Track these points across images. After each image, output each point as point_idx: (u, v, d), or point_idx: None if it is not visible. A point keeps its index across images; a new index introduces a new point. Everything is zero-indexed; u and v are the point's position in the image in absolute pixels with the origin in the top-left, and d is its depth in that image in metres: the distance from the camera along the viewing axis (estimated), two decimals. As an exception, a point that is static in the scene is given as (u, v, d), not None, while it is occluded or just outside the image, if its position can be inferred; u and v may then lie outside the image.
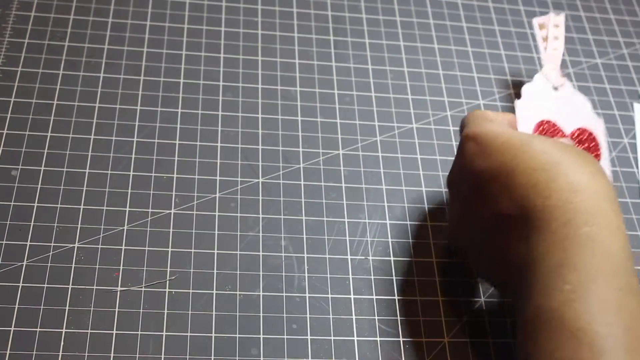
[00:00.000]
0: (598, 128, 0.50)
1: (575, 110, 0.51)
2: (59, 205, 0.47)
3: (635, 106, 0.60)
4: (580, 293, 0.34)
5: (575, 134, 0.49)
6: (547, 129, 0.49)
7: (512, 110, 0.58)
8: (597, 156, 0.49)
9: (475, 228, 0.42)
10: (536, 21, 0.56)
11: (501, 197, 0.39)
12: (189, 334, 0.43)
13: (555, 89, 0.53)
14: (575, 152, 0.40)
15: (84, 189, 0.48)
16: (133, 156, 0.50)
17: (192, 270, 0.46)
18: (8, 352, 0.41)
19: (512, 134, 0.41)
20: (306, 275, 0.47)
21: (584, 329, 0.33)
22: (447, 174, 0.50)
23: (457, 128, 0.56)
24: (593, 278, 0.34)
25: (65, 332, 0.42)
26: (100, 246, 0.46)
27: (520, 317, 0.37)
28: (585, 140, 0.49)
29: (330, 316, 0.46)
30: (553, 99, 0.52)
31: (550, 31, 0.55)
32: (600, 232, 0.35)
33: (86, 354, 0.42)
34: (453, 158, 0.54)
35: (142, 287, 0.45)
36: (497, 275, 0.42)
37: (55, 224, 0.46)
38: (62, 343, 0.42)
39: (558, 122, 0.49)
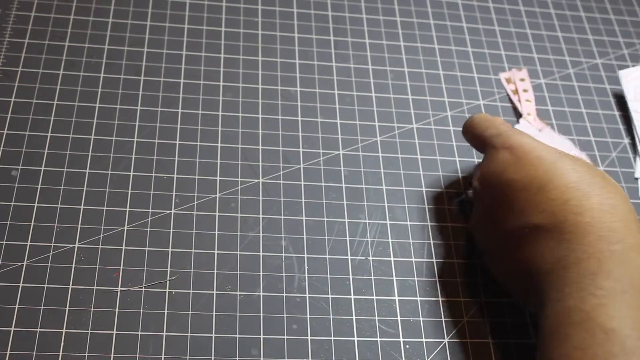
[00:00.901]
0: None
1: (559, 147, 0.55)
2: (59, 206, 0.47)
3: (620, 73, 0.61)
4: (613, 299, 0.36)
5: None
6: None
7: (512, 109, 0.58)
8: None
9: (496, 234, 0.44)
10: (502, 76, 0.60)
11: (530, 208, 0.41)
12: (189, 334, 0.43)
13: (540, 130, 0.57)
14: (601, 174, 0.42)
15: (84, 189, 0.48)
16: (133, 156, 0.50)
17: (192, 270, 0.46)
18: (8, 352, 0.41)
19: (546, 148, 0.43)
20: (306, 275, 0.47)
21: (615, 331, 0.35)
22: (447, 173, 0.50)
23: (458, 128, 0.56)
24: (625, 289, 0.36)
25: (66, 332, 0.42)
26: (100, 246, 0.46)
27: (547, 318, 0.39)
28: None
29: (331, 316, 0.46)
30: (539, 138, 0.56)
31: (518, 85, 0.60)
32: (631, 251, 0.38)
33: (86, 354, 0.42)
34: (453, 158, 0.54)
35: (142, 288, 0.45)
36: (516, 280, 0.43)
37: (56, 224, 0.46)
38: (62, 343, 0.42)
39: None
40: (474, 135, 0.48)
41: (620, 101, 0.61)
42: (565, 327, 0.37)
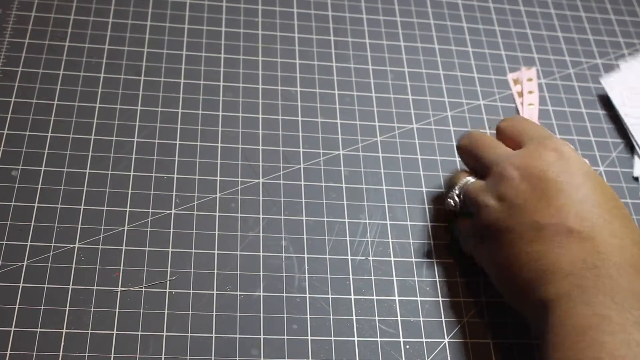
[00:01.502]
0: None
1: None
2: (59, 206, 0.47)
3: (603, 82, 0.61)
4: None
5: None
6: None
7: (511, 109, 0.58)
8: None
9: (514, 221, 0.43)
10: (510, 77, 0.60)
11: (569, 211, 0.41)
12: (189, 334, 0.43)
13: None
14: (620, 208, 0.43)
15: (85, 189, 0.48)
16: (133, 156, 0.50)
17: (192, 270, 0.46)
18: (8, 352, 0.41)
19: (588, 166, 0.45)
20: (306, 275, 0.47)
21: None
22: (448, 173, 0.50)
23: (458, 128, 0.56)
24: None
25: (66, 332, 0.42)
26: (100, 246, 0.46)
27: (569, 317, 0.38)
28: None
29: (331, 316, 0.46)
30: None
31: (525, 85, 0.59)
32: None
33: (86, 354, 0.42)
34: (453, 158, 0.54)
35: (142, 288, 0.45)
36: (517, 276, 0.43)
37: (56, 224, 0.46)
38: (62, 343, 0.42)
39: None
40: (507, 137, 0.48)
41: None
42: (597, 333, 0.37)
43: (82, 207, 0.47)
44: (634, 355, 0.35)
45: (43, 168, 0.49)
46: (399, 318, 0.46)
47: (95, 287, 0.44)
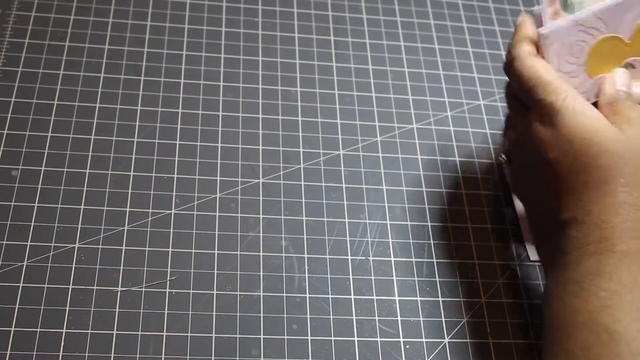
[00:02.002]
0: None
1: None
2: (59, 206, 0.47)
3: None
4: (616, 300, 0.36)
5: None
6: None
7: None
8: None
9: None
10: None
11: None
12: (189, 334, 0.43)
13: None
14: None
15: (85, 189, 0.48)
16: (133, 156, 0.50)
17: (192, 270, 0.46)
18: (8, 352, 0.41)
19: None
20: (306, 275, 0.47)
21: (620, 332, 0.35)
22: (448, 173, 0.50)
23: (458, 128, 0.56)
24: (630, 290, 0.37)
25: (66, 332, 0.42)
26: (100, 246, 0.46)
27: (551, 311, 0.39)
28: None
29: (331, 317, 0.46)
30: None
31: None
32: (635, 253, 0.38)
33: (87, 354, 0.42)
34: (453, 158, 0.54)
35: (142, 288, 0.45)
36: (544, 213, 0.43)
37: (56, 224, 0.46)
38: (62, 343, 0.42)
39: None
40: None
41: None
42: (569, 326, 0.37)
43: (82, 207, 0.47)
44: (603, 344, 0.35)
45: (43, 168, 0.49)
46: (399, 318, 0.46)
47: (95, 287, 0.44)
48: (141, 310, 0.44)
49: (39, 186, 0.48)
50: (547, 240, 0.42)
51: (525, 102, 0.44)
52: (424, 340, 0.46)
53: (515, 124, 0.47)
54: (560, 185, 0.41)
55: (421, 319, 0.46)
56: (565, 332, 0.37)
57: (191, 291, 0.45)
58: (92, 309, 0.43)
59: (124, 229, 0.47)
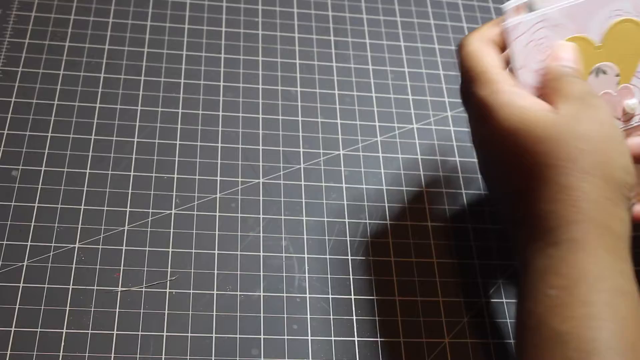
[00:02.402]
0: None
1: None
2: (59, 206, 0.47)
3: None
4: (564, 298, 0.34)
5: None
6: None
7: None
8: None
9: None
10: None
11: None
12: (189, 334, 0.43)
13: None
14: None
15: (85, 189, 0.48)
16: (133, 156, 0.50)
17: (192, 270, 0.46)
18: (9, 352, 0.41)
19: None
20: (307, 275, 0.47)
21: (570, 333, 0.33)
22: (448, 173, 0.50)
23: (458, 128, 0.56)
24: (576, 282, 0.35)
25: (66, 332, 0.42)
26: (100, 246, 0.46)
27: (517, 312, 0.38)
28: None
29: (331, 317, 0.46)
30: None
31: None
32: (575, 242, 0.36)
33: (87, 355, 0.42)
34: (453, 158, 0.54)
35: (142, 288, 0.45)
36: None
37: (56, 225, 0.46)
38: (62, 343, 0.42)
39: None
40: None
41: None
42: (525, 331, 0.36)
43: (82, 207, 0.47)
44: (552, 349, 0.34)
45: (43, 168, 0.49)
46: (399, 318, 0.46)
47: (95, 287, 0.44)
48: (141, 311, 0.44)
49: (39, 186, 0.48)
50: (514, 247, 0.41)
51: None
52: (424, 340, 0.46)
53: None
54: (507, 186, 0.39)
55: (421, 319, 0.46)
56: (522, 338, 0.36)
57: (191, 291, 0.45)
58: (92, 309, 0.43)
59: (124, 229, 0.47)
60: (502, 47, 0.41)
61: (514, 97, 0.38)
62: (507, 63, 0.41)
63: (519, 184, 0.38)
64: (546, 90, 0.40)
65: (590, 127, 0.37)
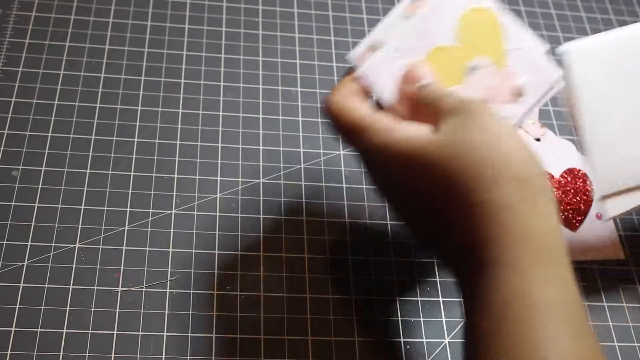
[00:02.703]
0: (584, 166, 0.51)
1: (561, 154, 0.53)
2: (59, 206, 0.47)
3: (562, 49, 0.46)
4: (494, 329, 0.32)
5: (566, 174, 0.53)
6: None
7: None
8: (587, 191, 0.52)
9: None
10: None
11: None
12: (189, 334, 0.43)
13: (538, 140, 0.55)
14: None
15: (85, 189, 0.48)
16: (134, 156, 0.50)
17: (192, 270, 0.46)
18: (9, 352, 0.41)
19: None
20: (307, 275, 0.47)
21: None
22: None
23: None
24: (503, 311, 0.32)
25: (66, 332, 0.42)
26: (101, 246, 0.46)
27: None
28: (576, 177, 0.53)
29: (331, 317, 0.46)
30: (537, 149, 0.51)
31: None
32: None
33: (87, 355, 0.42)
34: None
35: (142, 288, 0.45)
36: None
37: (56, 224, 0.46)
38: (62, 343, 0.42)
39: (545, 168, 0.51)
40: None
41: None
42: None
43: (83, 207, 0.47)
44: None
45: (43, 168, 0.49)
46: (399, 318, 0.46)
47: (95, 287, 0.44)
48: (141, 311, 0.44)
49: (40, 186, 0.48)
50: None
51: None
52: (424, 340, 0.46)
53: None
54: (423, 222, 0.37)
55: (421, 319, 0.46)
56: None
57: (191, 291, 0.45)
58: (93, 309, 0.43)
59: (124, 229, 0.47)
60: (367, 94, 0.41)
61: (395, 131, 0.36)
62: (379, 106, 0.41)
63: (431, 216, 0.36)
64: (422, 116, 0.38)
65: (477, 134, 0.34)
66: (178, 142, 0.52)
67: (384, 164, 0.37)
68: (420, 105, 0.39)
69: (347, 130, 0.39)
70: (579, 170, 0.53)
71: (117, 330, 0.43)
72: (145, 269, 0.45)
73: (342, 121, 0.39)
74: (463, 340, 0.35)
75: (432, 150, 0.35)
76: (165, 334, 0.43)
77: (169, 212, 0.48)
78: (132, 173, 0.49)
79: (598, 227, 0.52)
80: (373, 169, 0.40)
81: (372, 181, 0.41)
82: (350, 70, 0.41)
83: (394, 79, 0.41)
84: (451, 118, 0.36)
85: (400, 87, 0.40)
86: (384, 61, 0.41)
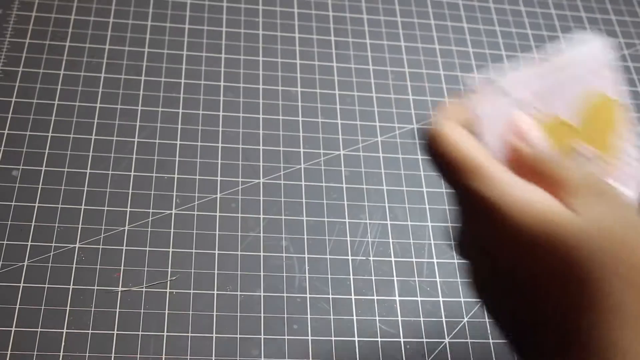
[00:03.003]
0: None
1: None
2: (60, 206, 0.47)
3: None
4: None
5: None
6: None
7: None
8: None
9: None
10: None
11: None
12: (189, 334, 0.43)
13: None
14: None
15: (85, 189, 0.48)
16: (134, 156, 0.50)
17: (192, 270, 0.46)
18: (9, 352, 0.41)
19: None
20: (307, 275, 0.47)
21: None
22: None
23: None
24: None
25: (66, 332, 0.42)
26: (101, 246, 0.46)
27: None
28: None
29: (331, 317, 0.46)
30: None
31: None
32: None
33: (87, 354, 0.42)
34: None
35: (143, 288, 0.45)
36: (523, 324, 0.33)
37: (56, 224, 0.46)
38: (63, 343, 0.42)
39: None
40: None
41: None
42: None
43: (83, 207, 0.47)
44: None
45: (44, 168, 0.49)
46: (399, 318, 0.46)
47: (95, 287, 0.44)
48: (142, 311, 0.44)
49: (40, 186, 0.48)
50: None
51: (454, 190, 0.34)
52: (424, 340, 0.46)
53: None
54: (541, 303, 0.31)
55: (421, 319, 0.46)
56: None
57: (192, 291, 0.45)
58: (93, 309, 0.43)
59: (124, 229, 0.47)
60: (467, 125, 0.36)
61: (517, 190, 0.31)
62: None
63: (540, 304, 0.31)
64: (535, 178, 0.33)
65: (616, 225, 0.30)
66: (178, 142, 0.52)
67: (494, 221, 0.32)
68: (536, 168, 0.34)
69: (453, 167, 0.33)
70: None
71: (117, 330, 0.43)
72: (146, 269, 0.45)
73: (450, 155, 0.34)
74: None
75: (572, 235, 0.30)
76: (165, 333, 0.43)
77: (169, 212, 0.48)
78: (132, 173, 0.49)
79: None
80: (473, 220, 0.33)
81: (466, 234, 0.34)
82: (459, 94, 0.38)
83: (506, 131, 0.37)
84: (588, 198, 0.31)
85: (513, 143, 0.35)
86: (501, 110, 0.37)
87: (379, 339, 0.45)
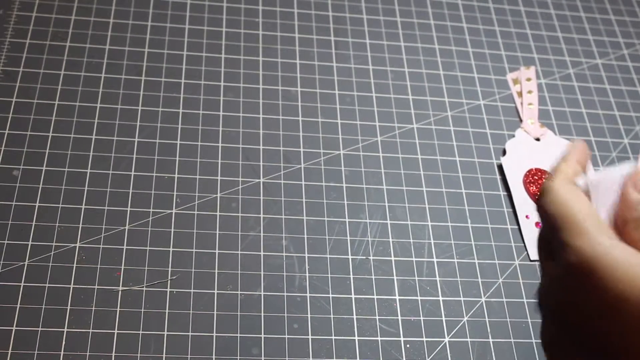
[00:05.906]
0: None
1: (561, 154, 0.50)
2: (60, 205, 0.47)
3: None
4: None
5: None
6: (534, 174, 0.54)
7: (516, 110, 0.58)
8: None
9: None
10: (509, 77, 0.60)
11: None
12: (190, 333, 0.44)
13: (537, 139, 0.56)
14: None
15: (86, 188, 0.48)
16: (134, 156, 0.50)
17: (193, 270, 0.46)
18: (10, 351, 0.41)
19: None
20: (307, 275, 0.47)
21: None
22: (448, 173, 0.50)
23: (458, 128, 0.56)
24: None
25: (67, 331, 0.42)
26: (101, 246, 0.46)
27: None
28: None
29: (331, 316, 0.46)
30: (537, 148, 0.56)
31: (524, 85, 0.59)
32: None
33: (88, 354, 0.42)
34: (453, 158, 0.54)
35: (143, 287, 0.45)
36: None
37: (57, 224, 0.46)
38: (63, 342, 0.42)
39: (545, 167, 0.54)
40: None
41: (621, 101, 0.61)
42: None
43: (83, 206, 0.47)
44: None
45: (44, 168, 0.49)
46: (399, 317, 0.46)
47: (96, 287, 0.44)
48: (142, 310, 0.44)
49: (40, 186, 0.48)
50: None
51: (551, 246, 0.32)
52: (424, 339, 0.46)
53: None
54: None
55: (421, 318, 0.47)
56: None
57: (192, 290, 0.45)
58: (93, 308, 0.43)
59: (124, 229, 0.47)
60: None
61: (629, 255, 0.28)
62: None
63: None
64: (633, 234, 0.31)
65: None
66: (178, 142, 0.52)
67: (603, 283, 0.29)
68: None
69: (564, 222, 0.31)
70: None
71: (117, 330, 0.43)
72: (146, 268, 0.46)
73: (564, 210, 0.31)
74: None
75: None
76: (165, 333, 0.43)
77: (170, 211, 0.48)
78: (133, 173, 0.50)
79: None
80: (570, 282, 0.30)
81: (554, 294, 0.32)
82: (572, 150, 0.36)
83: (615, 202, 0.34)
84: None
85: (622, 213, 0.33)
86: (614, 178, 0.35)
87: (379, 338, 0.45)
